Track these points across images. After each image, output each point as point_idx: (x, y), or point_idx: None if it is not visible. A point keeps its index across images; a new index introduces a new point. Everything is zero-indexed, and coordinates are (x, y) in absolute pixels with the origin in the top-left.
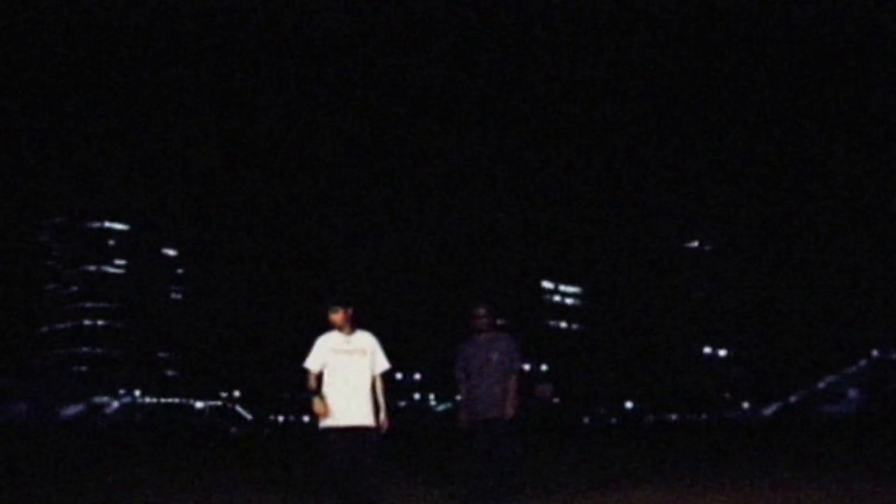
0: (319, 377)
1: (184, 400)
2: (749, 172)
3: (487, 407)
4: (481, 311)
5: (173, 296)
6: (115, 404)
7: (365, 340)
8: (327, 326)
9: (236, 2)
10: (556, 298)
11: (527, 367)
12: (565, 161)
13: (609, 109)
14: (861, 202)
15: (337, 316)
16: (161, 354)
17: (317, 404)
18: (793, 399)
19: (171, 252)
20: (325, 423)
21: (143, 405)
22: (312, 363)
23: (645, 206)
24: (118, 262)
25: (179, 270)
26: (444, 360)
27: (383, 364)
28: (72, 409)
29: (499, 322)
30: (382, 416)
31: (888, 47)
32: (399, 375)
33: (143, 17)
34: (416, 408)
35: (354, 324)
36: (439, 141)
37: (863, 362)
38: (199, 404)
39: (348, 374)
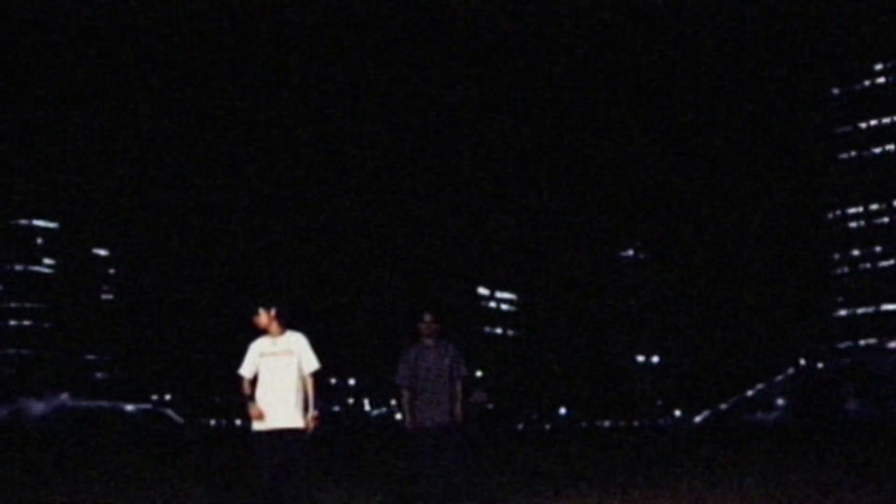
0: (254, 382)
1: (113, 403)
2: (684, 185)
3: (437, 412)
4: (430, 317)
5: (104, 296)
6: (42, 407)
7: (293, 341)
8: (260, 331)
9: None
10: (492, 305)
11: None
12: (503, 170)
13: (546, 120)
14: (792, 217)
15: (260, 318)
16: (90, 357)
17: (251, 409)
18: (723, 407)
19: (101, 252)
20: (254, 426)
21: (72, 408)
22: (244, 369)
23: (581, 215)
24: (46, 261)
25: (111, 271)
26: (379, 365)
27: (312, 363)
28: None
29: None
30: (310, 415)
31: (808, 62)
32: (333, 380)
33: (65, 14)
34: (351, 412)
35: (283, 325)
36: (377, 145)
37: (790, 371)
38: (128, 407)
39: (275, 376)
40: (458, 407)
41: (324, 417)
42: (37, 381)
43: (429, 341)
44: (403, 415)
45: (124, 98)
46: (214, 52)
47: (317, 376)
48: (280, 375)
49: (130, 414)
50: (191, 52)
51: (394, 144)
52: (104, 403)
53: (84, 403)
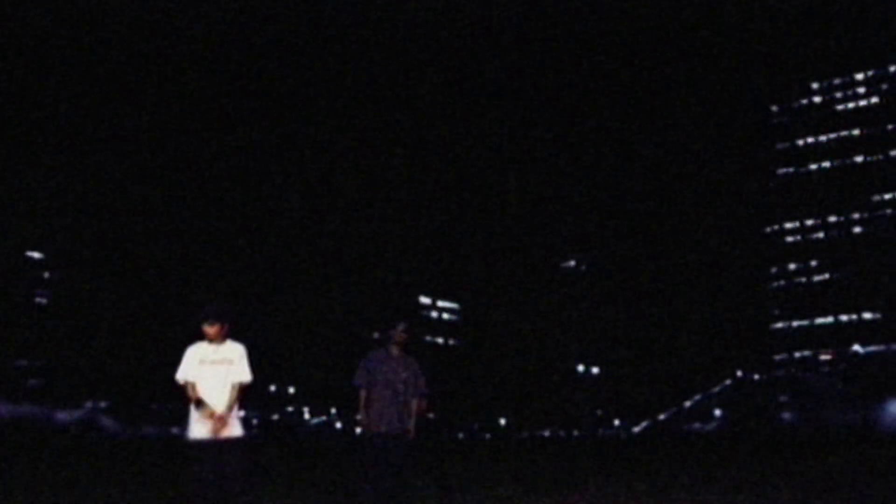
0: (194, 387)
1: (44, 410)
2: (625, 197)
3: (391, 422)
4: (402, 326)
5: (38, 300)
6: None
7: (232, 350)
8: (198, 336)
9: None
10: (434, 314)
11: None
12: (445, 179)
13: (488, 129)
14: (730, 231)
15: (212, 329)
16: (21, 362)
17: (203, 411)
18: (661, 417)
19: (35, 255)
20: (193, 434)
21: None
22: (184, 374)
23: (523, 226)
24: None
25: (45, 274)
26: (319, 373)
27: (246, 374)
28: None
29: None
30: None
31: (748, 80)
32: (272, 388)
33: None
34: (290, 421)
35: (227, 335)
36: (319, 149)
37: (727, 382)
38: (61, 415)
39: (216, 384)
40: (411, 422)
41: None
42: None
43: (395, 351)
44: (360, 414)
45: (59, 95)
46: (141, 50)
47: (244, 388)
48: (220, 383)
49: (63, 422)
50: (116, 50)
51: (335, 150)
52: (33, 410)
53: (8, 409)
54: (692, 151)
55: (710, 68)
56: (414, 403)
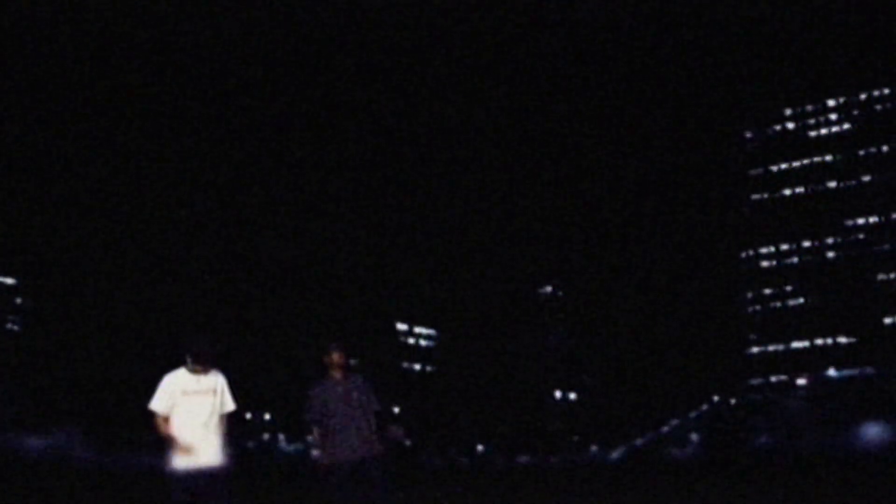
0: (167, 419)
1: (15, 437)
2: (601, 223)
3: (355, 447)
4: (336, 352)
5: (9, 326)
6: None
7: (214, 380)
8: (177, 363)
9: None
10: (411, 340)
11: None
12: (422, 206)
13: (466, 154)
14: (706, 256)
15: (200, 359)
16: None
17: (178, 445)
18: (638, 442)
19: (8, 280)
20: (176, 464)
21: None
22: (159, 404)
23: (500, 252)
24: None
25: (18, 300)
26: (295, 400)
27: (229, 404)
28: None
29: (351, 363)
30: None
31: (722, 106)
32: (248, 415)
33: None
34: (266, 448)
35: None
36: (294, 171)
37: (704, 407)
38: (32, 441)
39: (199, 414)
40: (376, 439)
41: (231, 459)
42: None
43: (337, 375)
44: (318, 450)
45: (30, 120)
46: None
47: (231, 417)
48: (204, 413)
49: (33, 449)
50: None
51: (312, 175)
52: (9, 436)
53: None
54: (667, 178)
55: (684, 95)
56: (372, 421)
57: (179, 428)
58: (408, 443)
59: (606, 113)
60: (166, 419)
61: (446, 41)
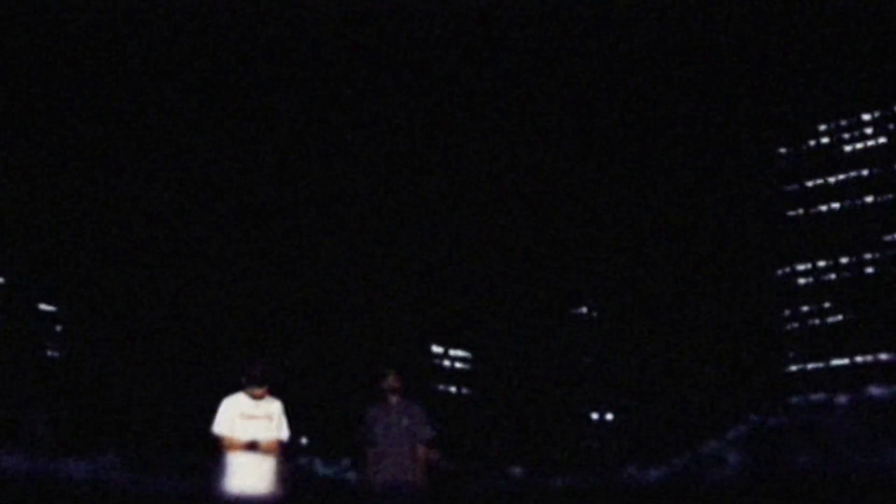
0: (231, 441)
1: (56, 463)
2: (636, 243)
3: (396, 474)
4: (392, 376)
5: (49, 353)
6: None
7: (273, 406)
8: (233, 389)
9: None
10: (446, 363)
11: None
12: (455, 228)
13: (498, 175)
14: (742, 274)
15: (259, 391)
16: (33, 414)
17: (237, 470)
18: (676, 463)
19: (48, 307)
20: (229, 488)
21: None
22: (222, 427)
23: (534, 272)
24: None
25: (58, 327)
26: (332, 423)
27: (284, 432)
28: None
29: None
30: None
31: (756, 122)
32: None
33: None
34: (303, 472)
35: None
36: (325, 193)
37: (742, 427)
38: (72, 467)
39: (258, 438)
40: (418, 471)
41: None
42: None
43: (393, 400)
44: (360, 473)
45: (74, 147)
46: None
47: (283, 445)
48: (260, 438)
49: (72, 475)
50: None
51: (343, 196)
52: (44, 463)
53: (16, 462)
54: (701, 196)
55: (716, 112)
56: (421, 450)
57: (235, 452)
58: (450, 467)
59: (637, 131)
60: (231, 440)
61: (494, 62)
